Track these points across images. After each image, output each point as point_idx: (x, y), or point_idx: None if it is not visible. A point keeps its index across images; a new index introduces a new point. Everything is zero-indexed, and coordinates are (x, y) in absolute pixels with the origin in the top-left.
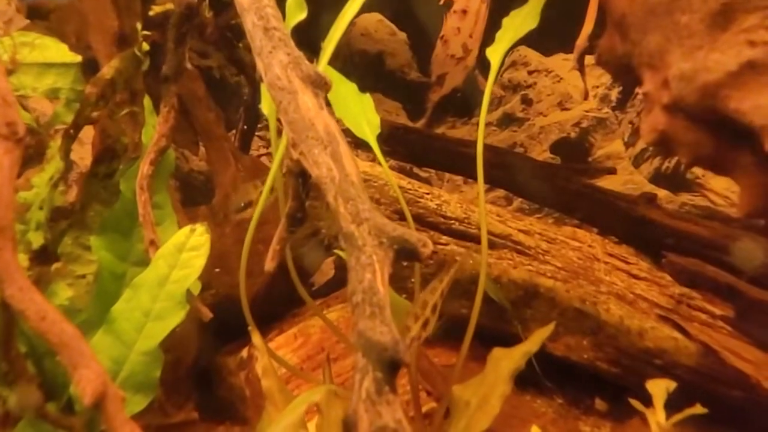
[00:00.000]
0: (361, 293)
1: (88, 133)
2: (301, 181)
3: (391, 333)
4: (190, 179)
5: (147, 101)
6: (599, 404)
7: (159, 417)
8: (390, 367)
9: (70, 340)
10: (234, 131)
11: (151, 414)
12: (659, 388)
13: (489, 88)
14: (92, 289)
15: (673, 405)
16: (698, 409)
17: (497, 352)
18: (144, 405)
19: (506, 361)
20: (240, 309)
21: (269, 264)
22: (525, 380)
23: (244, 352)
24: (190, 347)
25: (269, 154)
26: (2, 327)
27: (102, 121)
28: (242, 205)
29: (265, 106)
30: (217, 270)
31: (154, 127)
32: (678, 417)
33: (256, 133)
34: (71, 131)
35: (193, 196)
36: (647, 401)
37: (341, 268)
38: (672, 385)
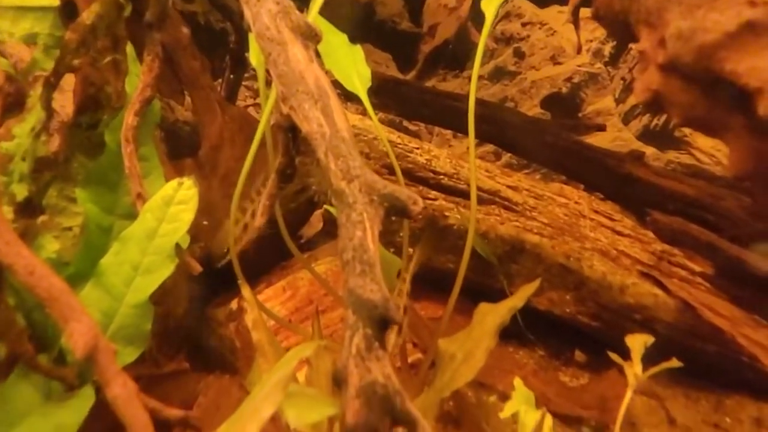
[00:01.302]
0: (352, 250)
1: (68, 80)
2: (290, 136)
3: (380, 291)
4: (175, 130)
5: (130, 49)
6: (579, 356)
7: (151, 368)
8: (380, 324)
9: (60, 294)
10: (220, 80)
11: (143, 365)
12: (637, 342)
13: (483, 40)
14: (79, 242)
15: (650, 358)
16: (674, 362)
17: (483, 307)
18: (135, 356)
19: (492, 316)
20: (228, 261)
21: (259, 219)
22: (508, 333)
23: (234, 304)
24: (179, 299)
25: (257, 105)
26: None
27: (83, 69)
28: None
29: (253, 58)
30: (205, 223)
31: (137, 76)
32: (654, 370)
33: (243, 83)
34: (52, 79)
35: (179, 148)
36: (625, 355)
37: (329, 221)
38: (650, 339)
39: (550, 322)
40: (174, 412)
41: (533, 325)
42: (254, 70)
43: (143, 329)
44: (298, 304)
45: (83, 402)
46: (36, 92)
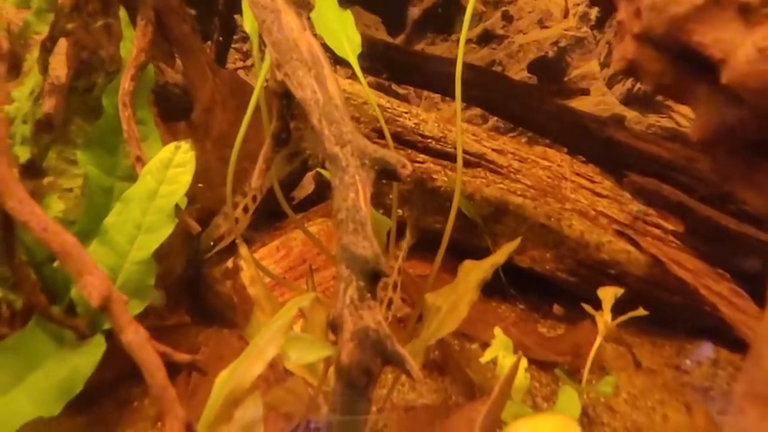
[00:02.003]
0: (345, 211)
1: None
2: (285, 101)
3: (372, 248)
4: (166, 93)
5: (123, 13)
6: (556, 309)
7: (155, 320)
8: (371, 277)
9: (72, 249)
10: (209, 43)
11: (147, 318)
12: (608, 293)
13: (471, 4)
14: (81, 202)
15: (622, 309)
16: (640, 311)
17: (467, 264)
18: (140, 309)
19: (475, 271)
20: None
21: (255, 182)
22: (492, 289)
23: (230, 263)
24: (178, 257)
25: (247, 68)
26: (3, 237)
27: (77, 33)
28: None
29: (247, 25)
30: (201, 185)
31: (131, 41)
32: (622, 318)
33: (232, 46)
34: (48, 43)
35: (170, 111)
36: (599, 306)
37: (321, 183)
38: (620, 291)
39: (530, 279)
40: (182, 357)
41: (515, 281)
42: (243, 32)
43: (147, 284)
44: (292, 263)
45: (95, 349)
46: (32, 56)
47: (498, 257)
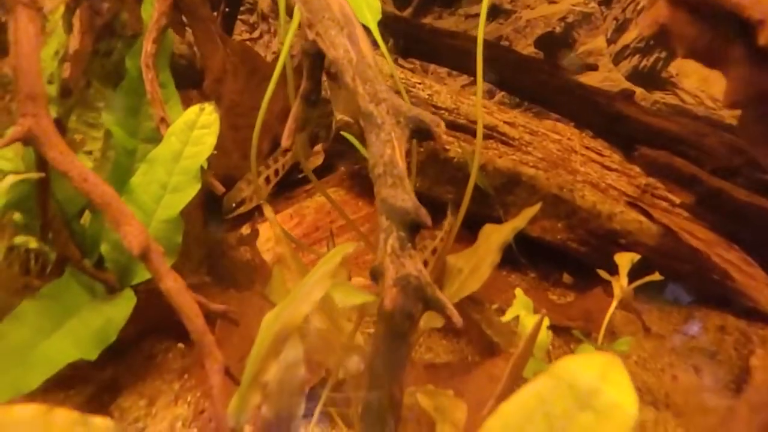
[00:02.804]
0: (383, 166)
1: None
2: (315, 61)
3: (412, 200)
4: (172, 63)
5: None
6: (566, 278)
7: None
8: (412, 228)
9: (111, 200)
10: (215, 15)
11: None
12: (625, 259)
13: None
14: (102, 163)
15: (631, 278)
16: (655, 276)
17: (488, 228)
18: (169, 266)
19: (497, 234)
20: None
21: (285, 141)
22: (502, 259)
23: (244, 229)
24: (196, 220)
25: (253, 40)
26: (38, 189)
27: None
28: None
29: None
30: (215, 152)
31: (151, 4)
32: (638, 282)
33: (239, 17)
34: (72, 3)
35: (178, 81)
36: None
37: (331, 154)
38: (636, 257)
39: (541, 248)
40: (216, 306)
41: (525, 251)
42: (250, 3)
43: (174, 242)
44: (305, 230)
45: (127, 301)
46: (54, 17)
47: (519, 221)
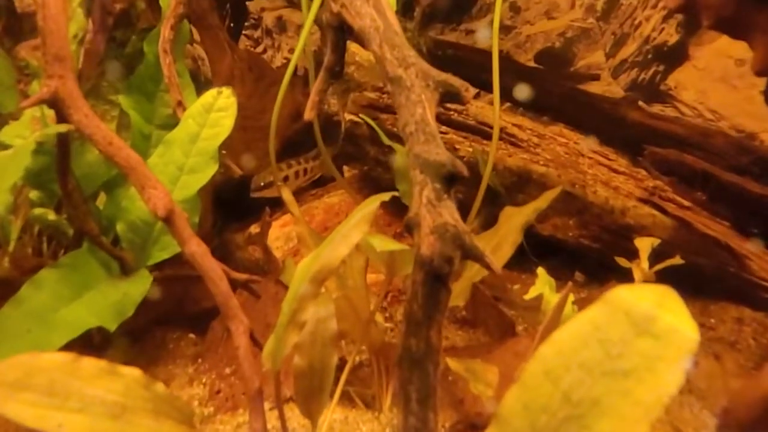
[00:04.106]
0: (414, 124)
1: None
2: (339, 34)
3: (446, 154)
4: None
5: None
6: (578, 276)
7: (189, 268)
8: (448, 179)
9: (136, 164)
10: None
11: (183, 265)
12: (645, 243)
13: None
14: None
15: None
16: (677, 260)
17: (509, 209)
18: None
19: (518, 216)
20: (245, 189)
21: (308, 113)
22: (513, 258)
23: (253, 228)
24: (204, 220)
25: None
26: (59, 161)
27: None
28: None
29: None
30: (224, 152)
31: None
32: (658, 267)
33: (243, 32)
34: None
35: None
36: (622, 274)
37: (338, 157)
38: (656, 241)
39: (551, 247)
40: (239, 275)
41: (534, 250)
42: (254, 18)
43: (192, 221)
44: (315, 229)
45: (143, 279)
46: (72, 4)
47: (540, 202)
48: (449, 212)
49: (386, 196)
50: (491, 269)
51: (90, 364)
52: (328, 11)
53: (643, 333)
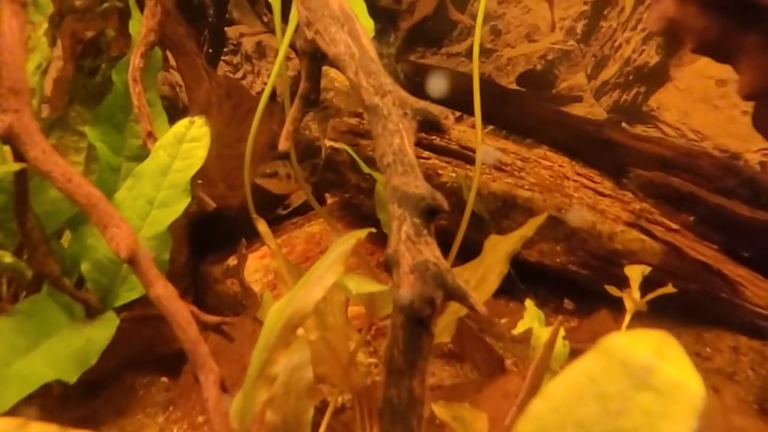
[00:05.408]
0: (392, 155)
1: None
2: (314, 61)
3: (425, 186)
4: None
5: None
6: (567, 304)
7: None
8: (427, 213)
9: (98, 202)
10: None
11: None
12: (635, 271)
13: (482, 7)
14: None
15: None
16: (669, 288)
17: (494, 238)
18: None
19: (503, 244)
20: (222, 220)
21: (283, 143)
22: (500, 287)
23: (231, 261)
24: (180, 252)
25: (237, 80)
26: (16, 199)
27: (78, 14)
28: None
29: None
30: (200, 182)
31: (139, 21)
32: (650, 296)
33: (222, 58)
34: (56, 18)
35: None
36: (613, 300)
37: (319, 184)
38: (647, 269)
39: (538, 274)
40: (210, 317)
41: (522, 277)
42: (233, 44)
43: (162, 259)
44: (295, 260)
45: (109, 323)
46: (36, 33)
47: (526, 230)
48: (430, 249)
49: (363, 233)
50: (474, 310)
51: (39, 430)
52: (302, 38)
53: (642, 386)
